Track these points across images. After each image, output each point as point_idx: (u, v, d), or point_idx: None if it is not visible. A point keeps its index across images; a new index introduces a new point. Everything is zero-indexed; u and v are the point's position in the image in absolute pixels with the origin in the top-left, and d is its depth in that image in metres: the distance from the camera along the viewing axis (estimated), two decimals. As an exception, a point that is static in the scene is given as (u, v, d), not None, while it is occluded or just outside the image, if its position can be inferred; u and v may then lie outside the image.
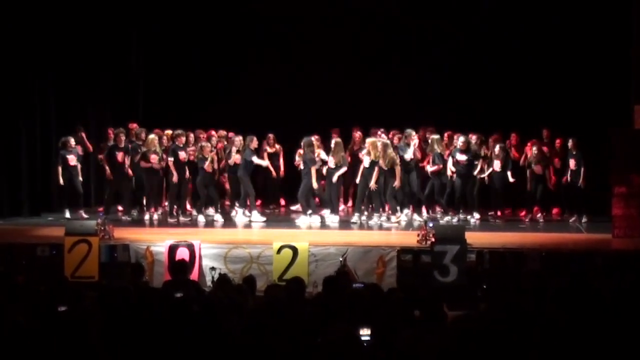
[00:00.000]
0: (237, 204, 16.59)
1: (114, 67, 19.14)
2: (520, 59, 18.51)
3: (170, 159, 16.06)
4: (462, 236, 12.77)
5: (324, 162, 16.11)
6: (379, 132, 16.89)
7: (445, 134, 16.66)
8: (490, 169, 16.24)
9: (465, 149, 15.91)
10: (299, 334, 6.51)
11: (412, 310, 7.07)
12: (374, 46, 19.29)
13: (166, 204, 16.71)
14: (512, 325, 6.18)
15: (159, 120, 17.56)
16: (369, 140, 15.92)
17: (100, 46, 18.51)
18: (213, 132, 17.05)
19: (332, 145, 16.03)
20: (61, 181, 16.04)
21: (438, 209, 16.54)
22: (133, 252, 13.16)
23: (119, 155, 16.29)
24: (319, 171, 16.02)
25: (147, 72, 20.13)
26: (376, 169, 15.56)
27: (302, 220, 15.83)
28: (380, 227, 15.56)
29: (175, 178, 16.01)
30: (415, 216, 16.24)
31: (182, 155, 16.09)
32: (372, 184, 15.56)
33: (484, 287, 12.32)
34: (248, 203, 16.31)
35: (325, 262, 12.84)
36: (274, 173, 17.14)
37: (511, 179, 16.19)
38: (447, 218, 15.85)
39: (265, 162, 16.69)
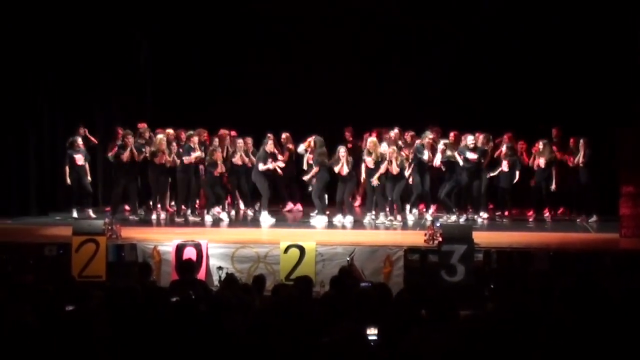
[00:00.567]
0: (241, 204, 16.70)
1: (122, 66, 19.19)
2: (520, 59, 18.54)
3: (186, 158, 16.05)
4: (469, 236, 12.74)
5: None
6: (392, 132, 16.82)
7: (452, 134, 16.58)
8: (499, 169, 16.20)
9: (474, 148, 15.88)
10: (306, 333, 6.51)
11: (419, 310, 7.06)
12: (374, 46, 19.32)
13: (173, 203, 16.76)
14: (520, 325, 6.16)
15: (167, 120, 17.55)
16: (370, 140, 15.87)
17: (108, 46, 18.55)
18: (224, 132, 17.04)
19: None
20: (68, 181, 16.07)
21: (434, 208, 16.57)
22: (140, 252, 13.17)
23: (125, 156, 16.22)
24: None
25: (155, 72, 20.18)
26: (381, 167, 15.55)
27: (317, 220, 15.84)
28: (386, 227, 15.55)
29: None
30: (428, 216, 16.24)
31: (193, 155, 16.09)
32: (375, 180, 15.54)
33: (492, 286, 12.29)
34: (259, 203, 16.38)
35: (333, 261, 12.82)
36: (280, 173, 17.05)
37: (517, 178, 16.18)
38: (453, 217, 15.82)
39: (266, 166, 16.52)
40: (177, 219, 16.18)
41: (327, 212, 15.96)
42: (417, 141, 16.42)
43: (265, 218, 16.06)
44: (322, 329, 6.48)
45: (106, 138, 17.57)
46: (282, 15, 19.09)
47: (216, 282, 12.19)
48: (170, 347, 6.36)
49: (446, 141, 16.09)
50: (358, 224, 15.74)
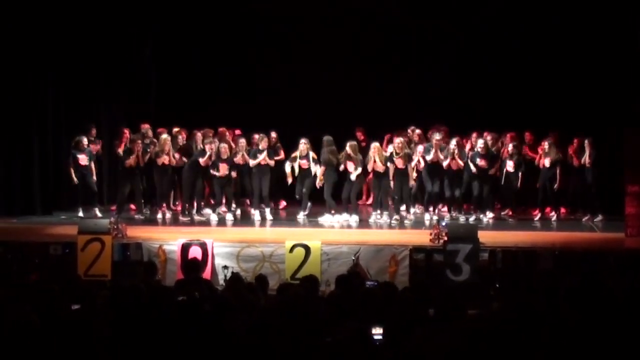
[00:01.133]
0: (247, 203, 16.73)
1: (124, 67, 19.17)
2: (521, 59, 18.50)
3: (202, 159, 16.06)
4: (474, 235, 12.74)
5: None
6: (409, 131, 16.80)
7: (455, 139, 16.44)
8: (504, 170, 16.17)
9: (485, 153, 15.86)
10: (312, 332, 6.51)
11: (424, 309, 7.06)
12: (374, 46, 19.28)
13: (178, 202, 16.78)
14: (525, 324, 6.16)
15: (169, 120, 17.54)
16: (373, 145, 15.82)
17: (111, 46, 18.53)
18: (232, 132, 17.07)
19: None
20: (75, 180, 16.09)
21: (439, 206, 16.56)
22: (146, 251, 13.19)
23: (132, 159, 16.17)
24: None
25: (157, 72, 20.20)
26: (390, 166, 15.55)
27: (331, 219, 15.87)
28: (391, 226, 15.56)
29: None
30: (427, 215, 16.25)
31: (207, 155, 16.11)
32: (391, 182, 15.61)
33: (497, 286, 12.29)
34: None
35: (338, 260, 12.83)
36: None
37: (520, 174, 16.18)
38: (462, 218, 15.82)
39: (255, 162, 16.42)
40: (183, 218, 16.18)
41: (333, 212, 15.96)
42: (419, 137, 16.49)
43: (262, 215, 16.15)
44: (328, 328, 6.49)
45: (110, 138, 17.58)
46: (282, 15, 19.06)
47: (221, 282, 12.19)
48: (174, 347, 6.37)
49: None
50: (363, 223, 15.74)
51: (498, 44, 18.72)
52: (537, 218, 16.33)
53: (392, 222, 15.71)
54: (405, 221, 15.79)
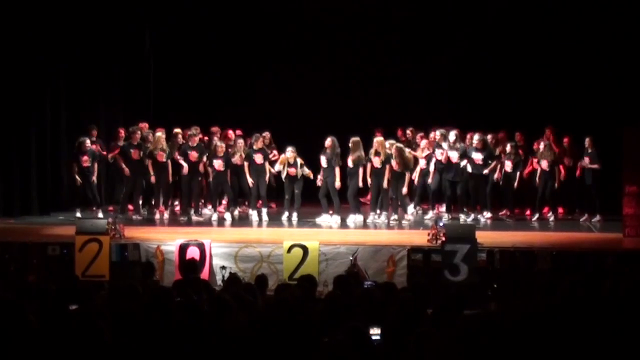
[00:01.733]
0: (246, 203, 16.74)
1: (125, 66, 19.19)
2: (521, 59, 18.54)
3: (180, 158, 16.07)
4: (472, 235, 12.74)
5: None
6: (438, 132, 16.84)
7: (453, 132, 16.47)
8: (503, 170, 16.17)
9: (481, 148, 15.86)
10: (309, 333, 6.50)
11: (422, 310, 7.06)
12: (374, 46, 19.29)
13: (176, 202, 16.78)
14: (523, 325, 6.16)
15: (169, 120, 17.54)
16: (377, 140, 15.86)
17: (112, 46, 18.59)
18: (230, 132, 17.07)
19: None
20: (79, 181, 16.11)
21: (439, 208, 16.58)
22: (144, 251, 13.19)
23: (134, 153, 16.24)
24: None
25: (156, 72, 20.20)
26: (387, 167, 15.55)
27: (351, 219, 15.86)
28: (390, 226, 15.56)
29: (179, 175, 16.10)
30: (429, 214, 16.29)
31: (194, 155, 16.10)
32: (385, 183, 15.59)
33: (495, 286, 12.28)
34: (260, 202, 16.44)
35: (336, 261, 12.84)
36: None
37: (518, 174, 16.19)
38: (462, 217, 15.83)
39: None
40: (181, 219, 16.18)
41: (331, 212, 15.94)
42: (421, 139, 16.63)
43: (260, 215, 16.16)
44: (326, 329, 6.48)
45: (110, 138, 17.59)
46: (283, 15, 19.09)
47: (219, 282, 12.21)
48: (172, 347, 6.35)
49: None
50: (361, 224, 15.74)
51: (500, 44, 18.77)
52: (534, 219, 16.30)
53: (391, 221, 15.71)
54: (404, 221, 15.78)
